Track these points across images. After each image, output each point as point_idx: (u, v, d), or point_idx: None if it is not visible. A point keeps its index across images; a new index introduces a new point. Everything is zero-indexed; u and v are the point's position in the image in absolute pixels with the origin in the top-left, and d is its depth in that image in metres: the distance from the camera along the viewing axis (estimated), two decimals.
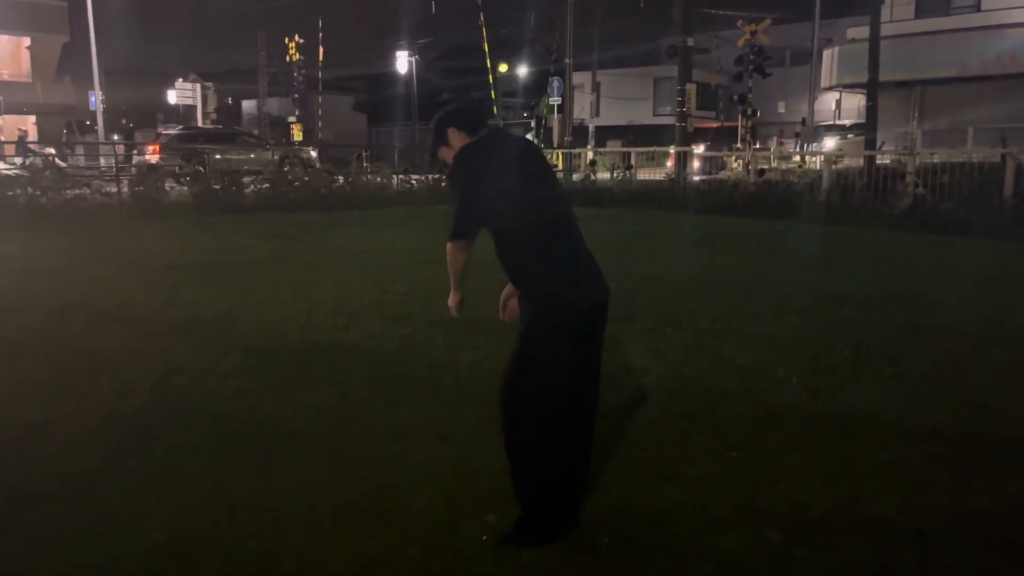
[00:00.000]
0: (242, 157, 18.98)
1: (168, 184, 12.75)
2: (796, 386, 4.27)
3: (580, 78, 42.99)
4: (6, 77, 31.60)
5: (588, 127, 35.39)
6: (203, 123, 41.48)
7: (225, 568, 2.48)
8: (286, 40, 27.54)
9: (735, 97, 26.33)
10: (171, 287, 6.74)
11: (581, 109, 42.93)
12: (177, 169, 14.89)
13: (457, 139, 2.65)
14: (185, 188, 12.93)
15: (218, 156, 17.90)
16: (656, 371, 4.53)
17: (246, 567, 2.49)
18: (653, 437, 3.56)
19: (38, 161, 15.55)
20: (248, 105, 53.08)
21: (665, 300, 6.43)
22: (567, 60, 21.55)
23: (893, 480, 3.16)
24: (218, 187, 12.55)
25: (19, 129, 28.85)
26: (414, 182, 15.69)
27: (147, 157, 19.95)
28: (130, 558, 2.51)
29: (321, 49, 29.93)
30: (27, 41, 32.68)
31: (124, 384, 4.20)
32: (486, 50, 22.42)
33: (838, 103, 30.38)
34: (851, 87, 26.95)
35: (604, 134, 38.52)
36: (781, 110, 35.48)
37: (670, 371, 4.54)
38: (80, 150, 27.43)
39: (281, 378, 4.35)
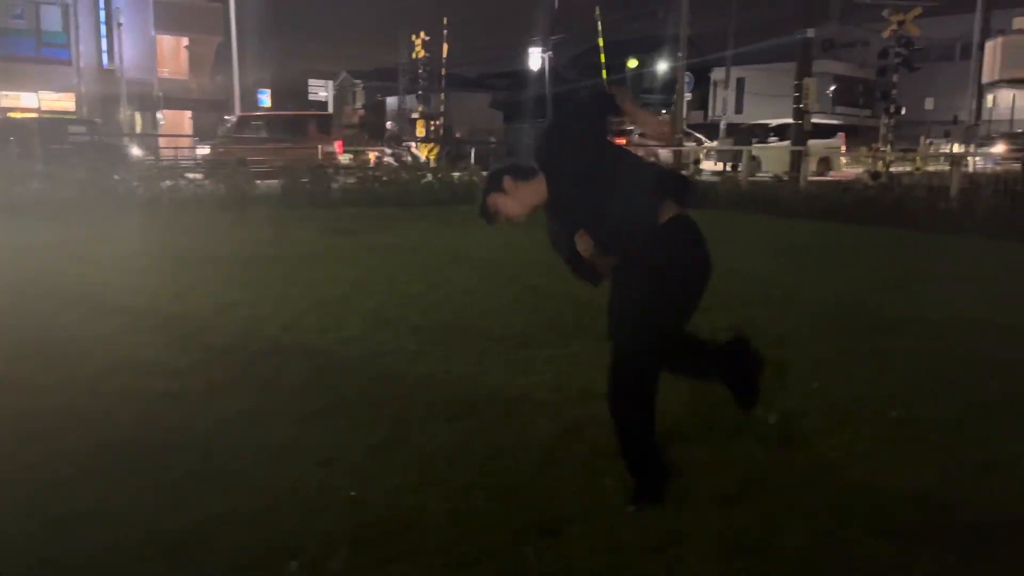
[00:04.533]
0: None
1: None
2: (766, 429, 3.62)
3: (722, 74, 41.41)
4: (167, 75, 34.12)
5: (720, 124, 33.91)
6: (350, 118, 43.39)
7: None
8: (412, 37, 27.98)
9: (878, 93, 24.38)
10: (195, 280, 6.81)
11: (723, 105, 41.38)
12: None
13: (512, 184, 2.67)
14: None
15: None
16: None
17: None
18: (524, 481, 3.06)
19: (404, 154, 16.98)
20: (391, 101, 54.97)
21: (695, 316, 5.78)
22: (679, 54, 20.56)
23: (793, 564, 2.53)
24: (306, 180, 12.85)
25: (389, 126, 31.10)
26: None
27: None
28: None
29: (446, 46, 30.22)
30: (185, 41, 35.17)
31: (60, 378, 4.17)
32: (600, 44, 21.80)
33: (995, 100, 27.43)
34: (1016, 83, 24.26)
35: (744, 132, 36.79)
36: (928, 107, 32.52)
37: None
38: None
39: (214, 382, 4.18)
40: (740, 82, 43.43)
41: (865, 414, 3.80)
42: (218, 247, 8.83)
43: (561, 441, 3.46)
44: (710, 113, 43.56)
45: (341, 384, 4.11)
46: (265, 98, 45.08)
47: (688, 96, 27.41)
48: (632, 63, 38.64)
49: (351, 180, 13.82)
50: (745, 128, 27.44)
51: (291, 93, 46.30)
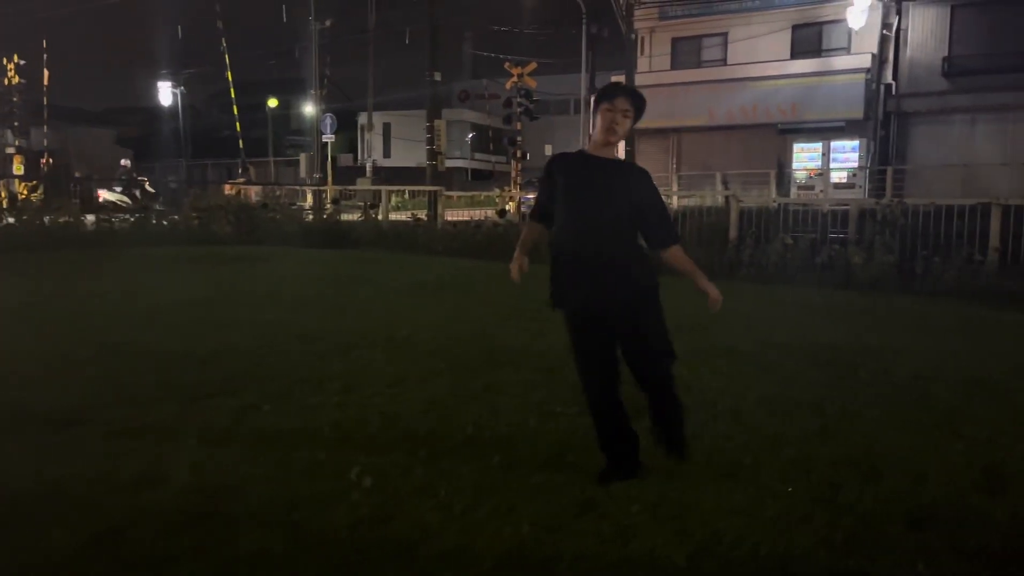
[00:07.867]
0: None
1: None
2: (359, 495, 3.13)
3: (366, 118, 41.94)
4: None
5: (366, 166, 34.20)
6: None
7: None
8: (4, 61, 23.73)
9: (505, 140, 26.31)
10: None
11: (370, 148, 41.79)
12: None
13: None
14: None
15: None
16: (176, 482, 3.22)
17: None
18: None
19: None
20: None
21: (309, 363, 5.18)
22: (311, 91, 20.20)
23: None
24: None
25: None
26: (114, 221, 13.50)
27: None
28: None
29: (47, 72, 26.39)
30: None
31: None
32: (229, 79, 20.61)
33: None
34: None
35: (392, 175, 37.35)
36: (549, 153, 36.22)
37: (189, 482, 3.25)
38: None
39: None
40: (387, 127, 44.34)
41: (469, 461, 3.48)
42: None
43: (89, 554, 2.62)
44: (359, 156, 43.81)
45: None
46: None
47: (332, 138, 26.93)
48: (272, 102, 37.40)
49: None
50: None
51: None
